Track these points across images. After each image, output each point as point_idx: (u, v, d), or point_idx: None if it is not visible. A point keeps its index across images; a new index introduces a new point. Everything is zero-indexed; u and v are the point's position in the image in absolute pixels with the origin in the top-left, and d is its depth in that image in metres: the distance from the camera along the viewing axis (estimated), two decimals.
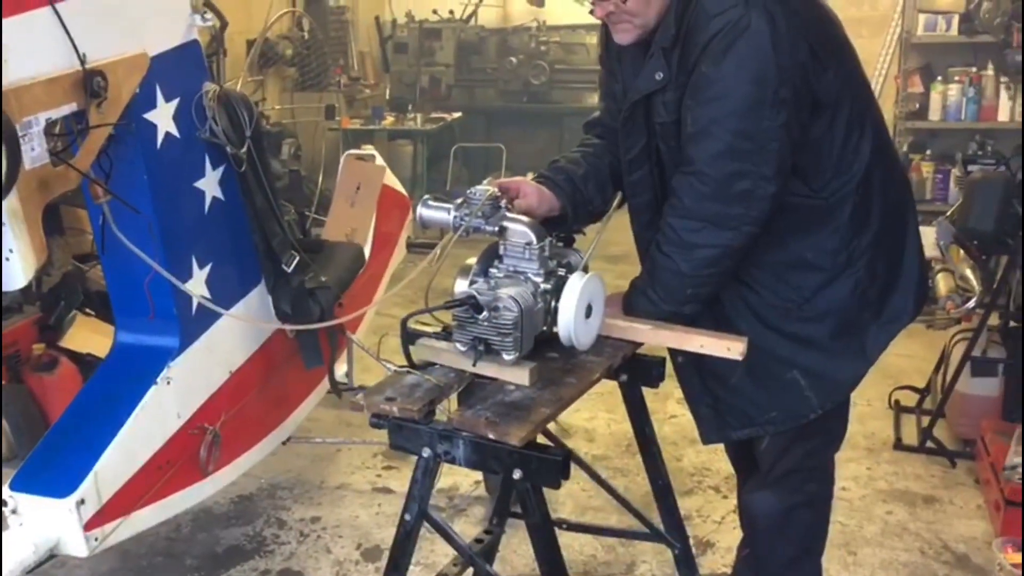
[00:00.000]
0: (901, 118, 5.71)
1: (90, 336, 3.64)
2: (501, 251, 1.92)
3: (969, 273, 3.64)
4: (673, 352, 2.14)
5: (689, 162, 1.96)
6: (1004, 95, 5.59)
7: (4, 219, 1.82)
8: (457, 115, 7.73)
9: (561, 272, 1.92)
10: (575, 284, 1.84)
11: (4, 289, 1.90)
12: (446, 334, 1.89)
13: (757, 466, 2.39)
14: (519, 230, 1.89)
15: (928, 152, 5.83)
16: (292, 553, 3.00)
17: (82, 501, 2.10)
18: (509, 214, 1.92)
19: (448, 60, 8.32)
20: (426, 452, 1.75)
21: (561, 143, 7.93)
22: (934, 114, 5.75)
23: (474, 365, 1.80)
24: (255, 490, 3.34)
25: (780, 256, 2.09)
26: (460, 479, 3.36)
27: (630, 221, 2.22)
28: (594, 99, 8.06)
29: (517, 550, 2.85)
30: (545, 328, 1.89)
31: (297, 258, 2.76)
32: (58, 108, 1.92)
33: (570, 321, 1.83)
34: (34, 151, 1.86)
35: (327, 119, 6.61)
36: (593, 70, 8.23)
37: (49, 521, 2.10)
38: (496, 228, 1.89)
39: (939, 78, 5.74)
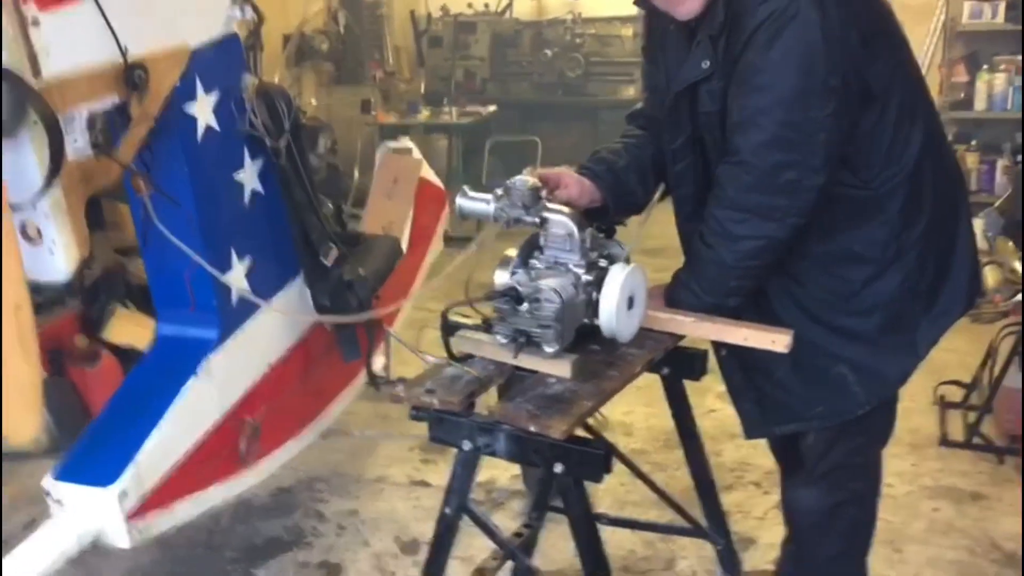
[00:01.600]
0: (945, 108, 5.62)
1: (131, 329, 3.66)
2: (542, 242, 1.90)
3: (1018, 265, 3.57)
4: (716, 345, 2.11)
5: (734, 152, 1.92)
6: None
7: (47, 211, 1.83)
8: (492, 108, 7.71)
9: (603, 264, 1.89)
10: (617, 275, 1.82)
11: (46, 281, 1.91)
12: (486, 326, 1.88)
13: (802, 462, 2.36)
14: (560, 220, 1.86)
15: (973, 143, 5.73)
16: (331, 546, 3.00)
17: (124, 492, 2.11)
18: (550, 204, 1.90)
19: (483, 53, 8.31)
20: (466, 445, 1.74)
21: (596, 136, 7.89)
22: (979, 103, 5.66)
23: (515, 357, 1.78)
24: (294, 483, 3.35)
25: (828, 248, 2.05)
26: (498, 473, 3.35)
27: (674, 213, 2.19)
28: (630, 92, 8.01)
29: (556, 544, 2.83)
30: (587, 320, 1.87)
31: (335, 251, 2.76)
32: (100, 101, 1.93)
33: (612, 313, 1.81)
34: (77, 143, 1.87)
35: (363, 113, 6.63)
36: (629, 62, 8.25)
37: (92, 511, 2.11)
38: (537, 219, 1.87)
39: (985, 67, 5.64)
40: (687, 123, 2.05)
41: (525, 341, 1.77)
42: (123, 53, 1.95)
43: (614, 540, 2.93)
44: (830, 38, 1.83)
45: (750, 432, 2.24)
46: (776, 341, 1.91)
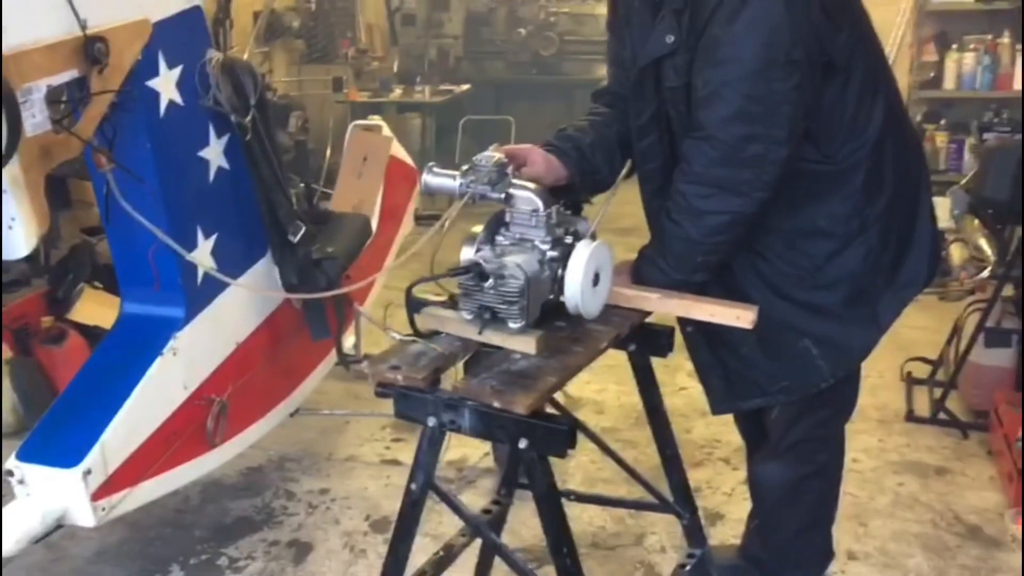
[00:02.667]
0: (915, 87, 5.64)
1: (98, 309, 3.64)
2: (507, 219, 1.89)
3: (983, 243, 3.61)
4: (682, 322, 2.11)
5: (700, 127, 1.92)
6: (1020, 63, 5.51)
7: (5, 187, 1.81)
8: (466, 87, 7.68)
9: (568, 240, 1.89)
10: (582, 252, 1.81)
11: (6, 258, 1.88)
12: (452, 303, 1.87)
13: (767, 437, 2.38)
14: (526, 197, 1.86)
15: (942, 122, 5.76)
16: (301, 524, 3.00)
17: (89, 471, 2.09)
18: (516, 181, 1.89)
19: (456, 32, 8.27)
20: (431, 421, 1.73)
21: (571, 115, 7.82)
22: (949, 83, 5.69)
23: (480, 333, 1.78)
24: (264, 462, 3.34)
25: (792, 223, 2.06)
26: (469, 451, 3.35)
27: (640, 189, 2.19)
28: (604, 70, 7.99)
29: (527, 522, 2.84)
30: (552, 296, 1.86)
31: (303, 229, 2.73)
32: (59, 74, 1.89)
33: (577, 289, 1.81)
34: (35, 118, 1.84)
35: (335, 92, 6.57)
36: (603, 41, 8.19)
37: (56, 491, 2.09)
38: (502, 195, 1.86)
39: (954, 46, 5.66)
40: (652, 98, 2.04)
41: (490, 317, 1.77)
42: (82, 26, 1.92)
43: (584, 516, 2.95)
44: (793, 11, 1.83)
45: (716, 407, 2.26)
46: (741, 317, 1.92)
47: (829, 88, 1.95)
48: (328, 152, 5.92)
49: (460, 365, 1.84)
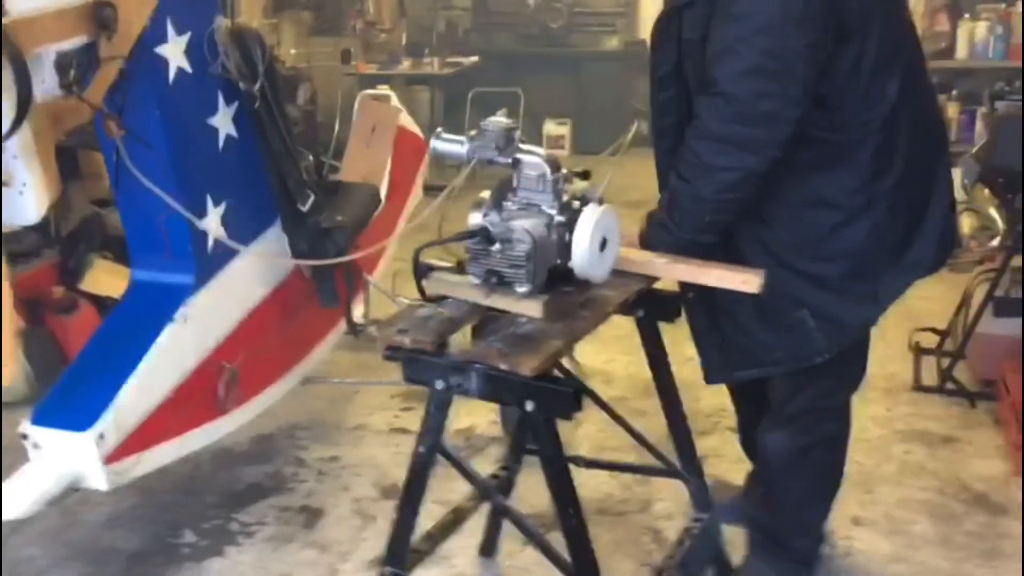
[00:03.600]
0: (927, 57, 5.59)
1: (109, 279, 3.66)
2: (515, 184, 1.89)
3: (994, 212, 3.60)
4: (685, 287, 2.12)
5: (714, 83, 1.92)
6: None
7: (17, 152, 1.82)
8: (474, 59, 7.64)
9: (576, 205, 1.89)
10: (589, 216, 1.82)
11: (17, 224, 1.90)
12: (460, 268, 1.88)
13: (768, 407, 2.39)
14: (533, 162, 1.86)
15: (954, 92, 5.71)
16: (311, 491, 3.03)
17: (102, 435, 2.13)
18: (523, 146, 1.89)
19: (465, 3, 8.22)
20: (439, 384, 1.75)
21: (579, 87, 7.84)
22: (961, 52, 5.64)
23: (487, 298, 1.79)
24: (274, 430, 3.37)
25: (798, 192, 2.06)
26: (478, 419, 3.38)
27: (653, 146, 2.19)
28: (613, 43, 7.95)
29: (535, 489, 2.85)
30: (559, 261, 1.87)
31: (312, 198, 2.75)
32: (68, 40, 1.90)
33: (584, 254, 1.81)
34: (45, 83, 1.85)
35: (343, 64, 6.55)
36: (612, 13, 8.16)
37: (70, 455, 2.13)
38: (510, 160, 1.87)
39: (967, 15, 5.60)
40: (673, 50, 2.05)
41: (497, 282, 1.78)
42: None
43: (592, 483, 2.97)
44: None
45: (712, 377, 2.27)
46: (748, 282, 1.92)
47: (843, 55, 1.94)
48: (336, 125, 5.91)
49: (468, 329, 1.85)
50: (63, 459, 2.12)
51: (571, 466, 1.87)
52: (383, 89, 4.18)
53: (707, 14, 1.93)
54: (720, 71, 1.91)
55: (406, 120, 3.90)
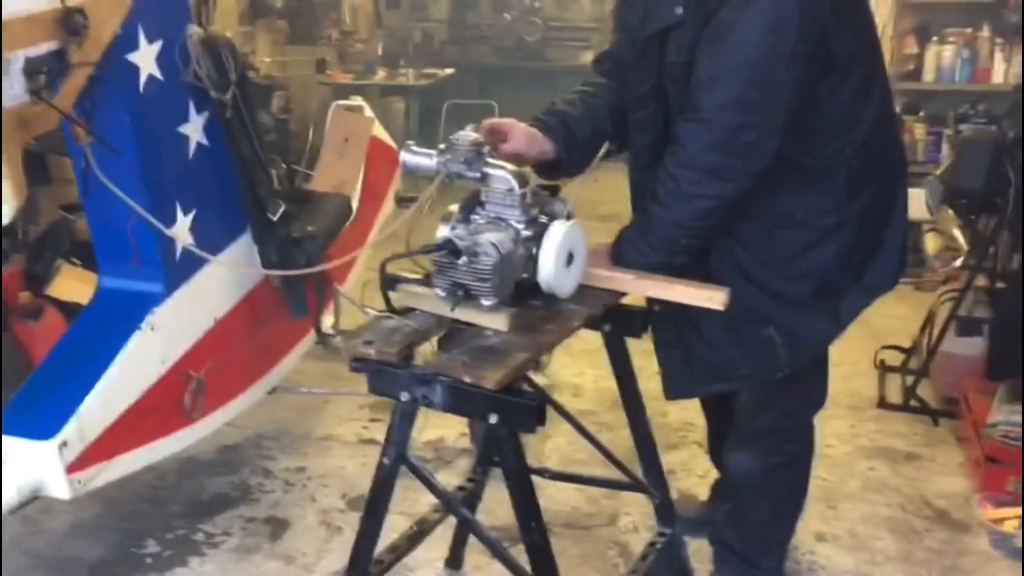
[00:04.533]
0: (895, 79, 5.67)
1: (76, 285, 3.61)
2: (483, 198, 1.91)
3: (957, 233, 3.65)
4: (651, 302, 2.13)
5: (697, 109, 1.93)
6: (999, 57, 5.55)
7: None
8: (450, 71, 7.67)
9: (543, 220, 1.91)
10: (556, 231, 1.84)
11: None
12: (427, 280, 1.89)
13: (733, 422, 2.41)
14: (501, 176, 1.87)
15: (921, 114, 5.79)
16: (277, 501, 3.02)
17: (64, 443, 2.10)
18: (492, 160, 1.91)
19: (442, 15, 8.26)
20: (404, 396, 1.76)
21: None
22: (928, 75, 5.71)
23: (452, 310, 1.80)
24: (241, 440, 3.35)
25: (772, 212, 2.08)
26: (447, 431, 3.38)
27: (628, 164, 2.20)
28: (588, 57, 7.95)
29: (503, 501, 2.86)
30: (526, 275, 1.88)
31: (283, 207, 2.74)
32: (37, 46, 1.89)
33: (550, 268, 1.83)
34: (13, 89, 1.84)
35: (318, 73, 6.54)
36: (588, 27, 8.23)
37: (32, 463, 2.10)
38: (478, 174, 1.88)
39: (934, 39, 5.69)
40: (654, 71, 2.05)
41: (464, 295, 1.79)
42: None
43: (559, 497, 2.98)
44: (806, 4, 1.85)
45: (674, 392, 2.28)
46: (712, 299, 1.95)
47: (823, 85, 1.96)
48: (311, 133, 5.90)
49: (435, 342, 1.86)
50: (25, 467, 2.10)
51: (538, 479, 1.88)
52: (356, 99, 4.18)
53: (693, 38, 1.93)
54: (706, 98, 1.92)
55: (379, 131, 3.90)
